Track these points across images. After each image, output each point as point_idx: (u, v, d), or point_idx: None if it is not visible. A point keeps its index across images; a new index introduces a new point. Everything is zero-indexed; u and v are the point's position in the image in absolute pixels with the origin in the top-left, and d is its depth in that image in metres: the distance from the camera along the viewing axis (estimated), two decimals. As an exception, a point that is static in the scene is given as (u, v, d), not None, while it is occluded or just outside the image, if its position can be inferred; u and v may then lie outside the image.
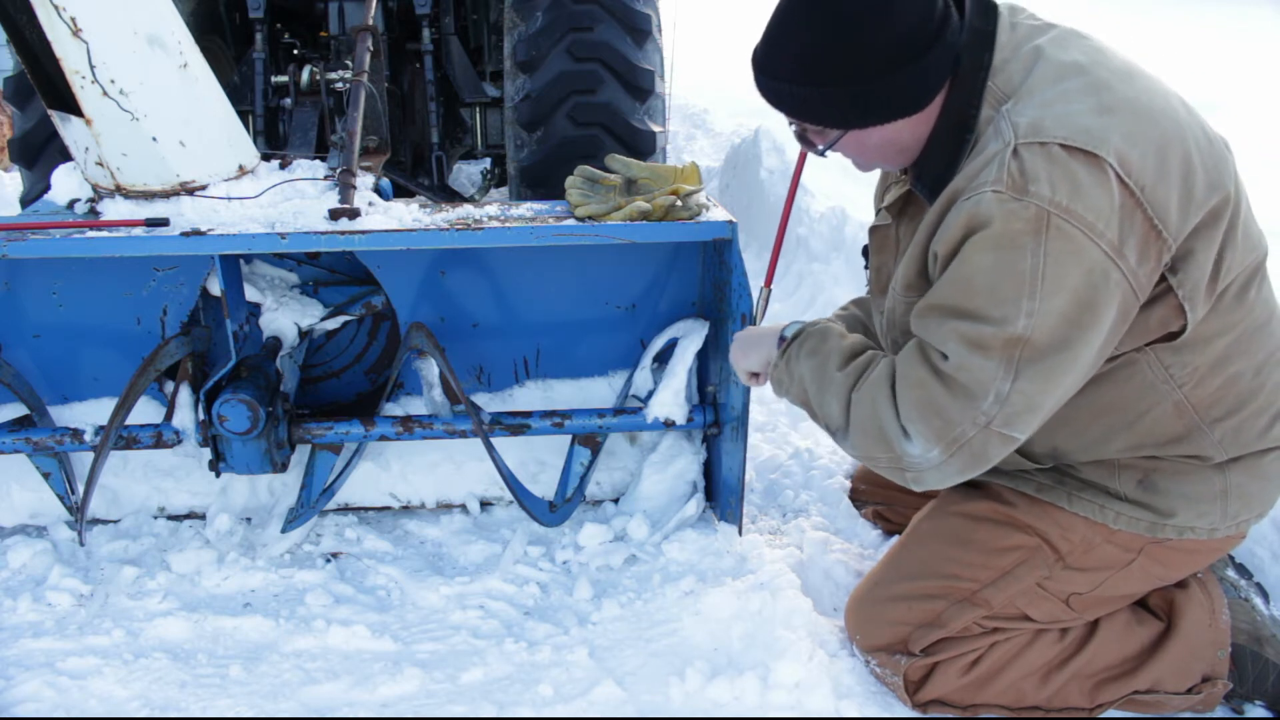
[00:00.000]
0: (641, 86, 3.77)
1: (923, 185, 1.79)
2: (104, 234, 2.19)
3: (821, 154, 1.84)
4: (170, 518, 2.61)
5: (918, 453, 1.67)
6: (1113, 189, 1.55)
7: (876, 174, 2.12)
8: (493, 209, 2.40)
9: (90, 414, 2.56)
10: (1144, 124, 1.61)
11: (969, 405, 1.62)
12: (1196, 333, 1.72)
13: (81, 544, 2.46)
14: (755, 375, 2.07)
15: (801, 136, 1.84)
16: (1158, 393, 1.76)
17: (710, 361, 2.55)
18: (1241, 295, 1.75)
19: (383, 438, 2.47)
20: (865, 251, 2.10)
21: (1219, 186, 1.66)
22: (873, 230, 2.04)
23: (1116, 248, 1.56)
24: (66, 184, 2.41)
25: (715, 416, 2.50)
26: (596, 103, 3.70)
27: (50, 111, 2.28)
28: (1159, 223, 1.59)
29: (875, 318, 2.08)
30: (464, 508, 2.68)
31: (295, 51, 4.30)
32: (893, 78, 1.66)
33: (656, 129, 3.81)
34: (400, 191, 3.65)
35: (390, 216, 2.29)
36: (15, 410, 2.52)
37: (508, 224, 2.26)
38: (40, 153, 3.59)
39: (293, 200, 2.38)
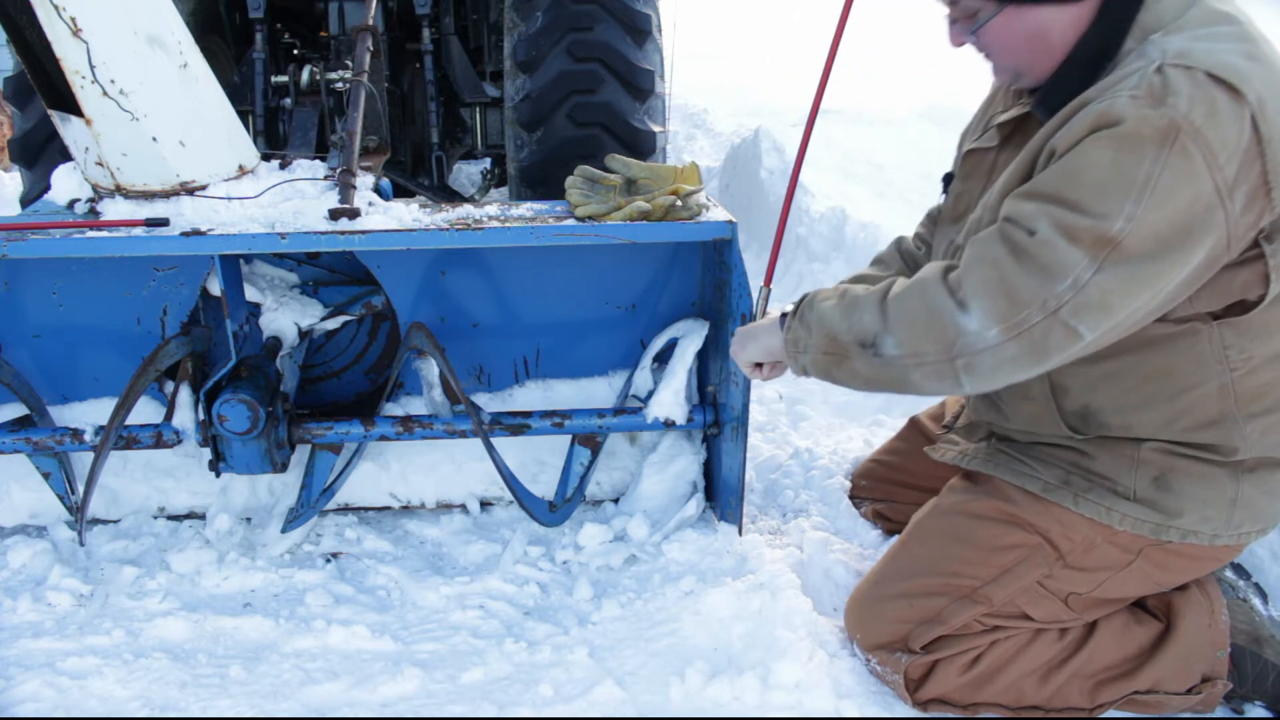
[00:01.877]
0: (641, 86, 3.77)
1: (1046, 107, 1.77)
2: (104, 234, 2.19)
3: (971, 35, 1.79)
4: (170, 518, 2.61)
5: (975, 328, 1.63)
6: (1245, 128, 1.56)
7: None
8: (493, 209, 2.40)
9: (90, 414, 2.56)
10: None
11: (1043, 285, 1.59)
12: (1265, 318, 1.73)
13: (81, 544, 2.46)
14: (758, 367, 2.06)
15: (953, 21, 1.81)
16: (1208, 370, 1.77)
17: (710, 361, 2.55)
18: None
19: (383, 438, 2.47)
20: (946, 179, 2.09)
21: None
22: (969, 154, 2.02)
23: (1229, 187, 1.57)
24: (66, 184, 2.41)
25: (715, 416, 2.50)
26: (596, 103, 3.70)
27: (50, 111, 2.28)
28: (1272, 180, 1.59)
29: (939, 244, 2.06)
30: (464, 508, 2.68)
31: (295, 51, 4.30)
32: None
33: (656, 129, 3.81)
34: (400, 191, 3.65)
35: (390, 216, 2.29)
36: (15, 410, 2.52)
37: (508, 224, 2.26)
38: (40, 153, 3.59)
39: (293, 200, 2.38)
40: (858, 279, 2.29)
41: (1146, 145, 1.55)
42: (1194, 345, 1.76)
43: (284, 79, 3.78)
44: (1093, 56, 1.69)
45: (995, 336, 1.62)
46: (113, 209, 2.31)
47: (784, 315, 1.95)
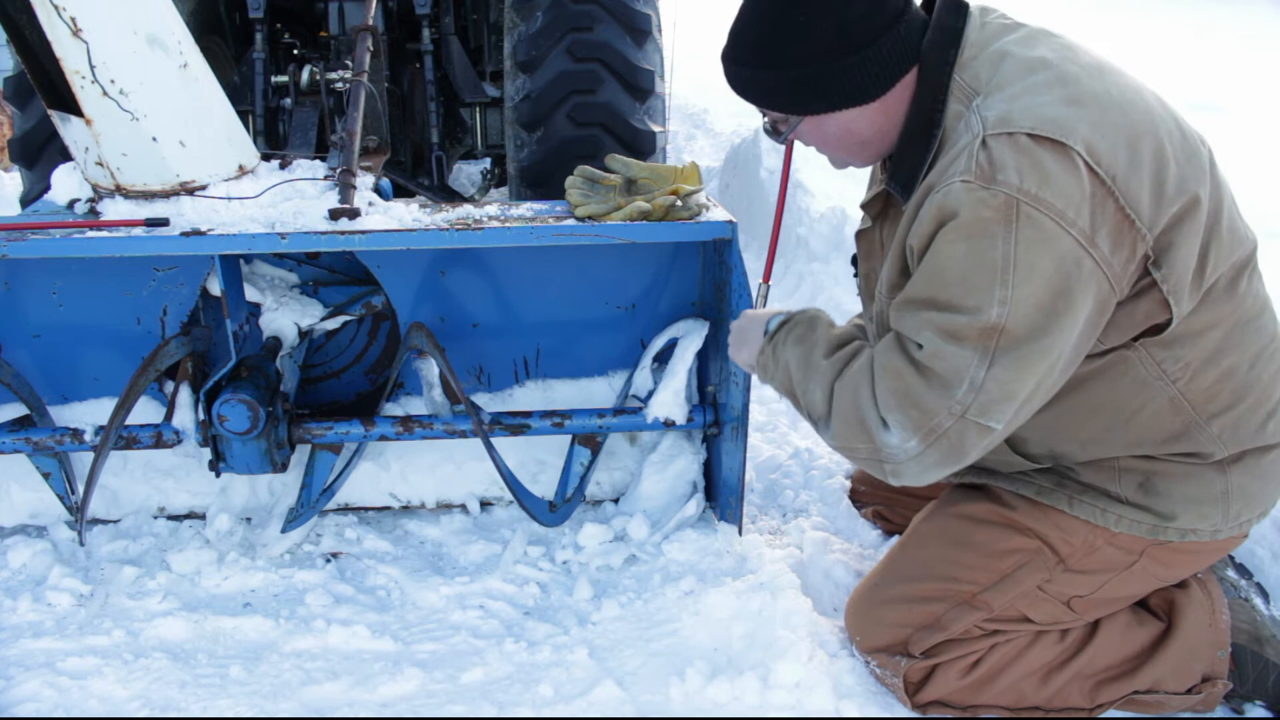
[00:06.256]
0: (641, 86, 3.77)
1: (897, 183, 1.80)
2: (104, 234, 2.19)
3: (782, 140, 1.88)
4: (170, 518, 2.61)
5: (896, 443, 1.66)
6: (1082, 177, 1.55)
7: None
8: (493, 209, 2.40)
9: (90, 414, 2.56)
10: (1113, 115, 1.61)
11: (944, 394, 1.61)
12: (1187, 326, 1.71)
13: (81, 544, 2.46)
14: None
15: (770, 127, 1.88)
16: (1152, 389, 1.76)
17: (710, 361, 2.55)
18: (1231, 288, 1.75)
19: (383, 438, 2.47)
20: (854, 260, 2.10)
21: (1195, 180, 1.65)
22: (859, 235, 2.05)
23: (1089, 236, 1.56)
24: (66, 184, 2.41)
25: (715, 416, 2.50)
26: (596, 103, 3.70)
27: (50, 111, 2.28)
28: (1132, 213, 1.58)
29: (866, 325, 2.08)
30: (464, 508, 2.68)
31: (295, 51, 4.30)
32: (841, 63, 1.69)
33: (656, 129, 3.81)
34: (400, 191, 3.65)
35: (390, 216, 2.29)
36: (15, 410, 2.52)
37: (508, 224, 2.26)
38: (40, 153, 3.59)
39: (293, 200, 2.38)
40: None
41: (992, 227, 1.56)
42: (1127, 370, 1.75)
43: (284, 79, 3.79)
44: (922, 128, 1.73)
45: (915, 446, 1.65)
46: (113, 209, 2.31)
47: (766, 331, 1.95)
